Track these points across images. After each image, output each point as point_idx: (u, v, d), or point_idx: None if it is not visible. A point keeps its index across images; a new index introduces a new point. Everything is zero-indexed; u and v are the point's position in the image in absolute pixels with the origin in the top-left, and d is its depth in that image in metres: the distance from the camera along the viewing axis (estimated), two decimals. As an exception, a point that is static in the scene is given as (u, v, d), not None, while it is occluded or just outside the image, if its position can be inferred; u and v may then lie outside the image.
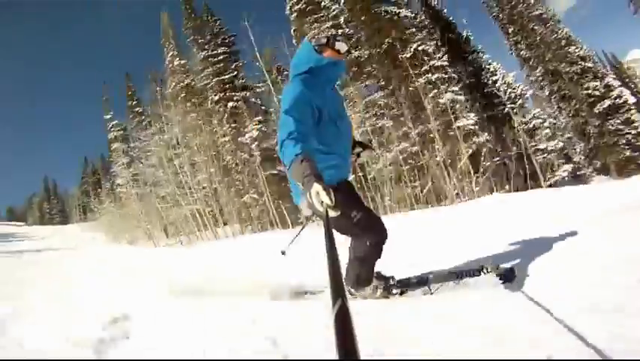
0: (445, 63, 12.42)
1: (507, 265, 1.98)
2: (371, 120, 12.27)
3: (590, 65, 18.27)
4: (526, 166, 15.01)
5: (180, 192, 15.13)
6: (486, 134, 11.90)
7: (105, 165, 29.33)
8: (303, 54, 1.82)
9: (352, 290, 2.07)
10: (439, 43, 17.13)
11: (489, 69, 15.54)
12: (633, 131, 17.70)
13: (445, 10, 17.82)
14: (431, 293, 2.03)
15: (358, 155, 2.19)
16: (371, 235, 1.89)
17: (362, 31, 13.56)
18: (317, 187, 1.29)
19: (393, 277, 2.17)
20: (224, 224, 15.38)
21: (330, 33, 1.83)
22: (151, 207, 16.85)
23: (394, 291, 2.11)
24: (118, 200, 20.44)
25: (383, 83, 12.78)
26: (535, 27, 18.42)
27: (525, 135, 14.67)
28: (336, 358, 0.42)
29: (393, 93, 12.26)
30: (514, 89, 15.12)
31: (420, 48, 11.97)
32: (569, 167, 14.91)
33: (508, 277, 1.87)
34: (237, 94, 16.17)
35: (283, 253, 2.42)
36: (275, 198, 13.88)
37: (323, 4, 14.99)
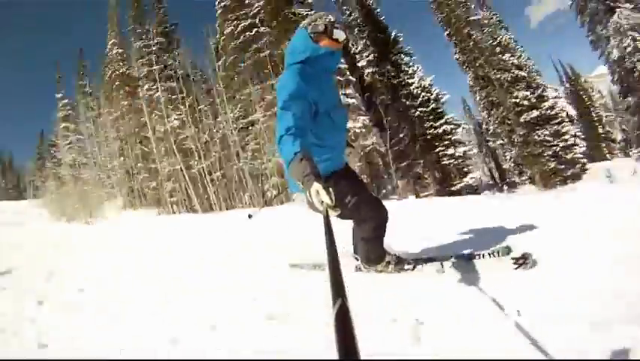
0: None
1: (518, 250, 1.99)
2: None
3: (523, 73, 18.38)
4: (435, 171, 15.38)
5: (101, 175, 15.72)
6: (374, 138, 12.23)
7: (47, 142, 29.53)
8: (298, 42, 1.75)
9: (365, 265, 2.16)
10: (368, 43, 17.44)
11: (407, 71, 15.79)
12: (562, 144, 17.88)
13: (379, 10, 18.00)
14: (443, 271, 2.06)
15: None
16: (368, 217, 1.92)
17: (274, 31, 13.86)
18: (317, 187, 1.29)
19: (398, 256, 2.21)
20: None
21: (327, 20, 1.74)
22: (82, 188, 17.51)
23: (407, 266, 2.14)
24: (58, 179, 21.10)
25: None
26: (472, 32, 18.53)
27: (435, 140, 15.00)
28: (336, 358, 0.43)
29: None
30: (429, 92, 15.36)
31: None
32: (477, 174, 15.22)
33: (523, 262, 1.87)
34: (164, 84, 16.60)
35: (250, 216, 2.83)
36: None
37: (247, 1, 15.31)
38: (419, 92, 15.25)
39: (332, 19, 1.74)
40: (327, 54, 1.71)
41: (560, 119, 18.16)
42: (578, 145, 17.54)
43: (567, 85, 35.28)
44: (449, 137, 14.98)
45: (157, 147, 15.30)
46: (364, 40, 17.51)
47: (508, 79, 17.77)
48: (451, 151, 14.87)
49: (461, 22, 18.35)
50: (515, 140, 17.68)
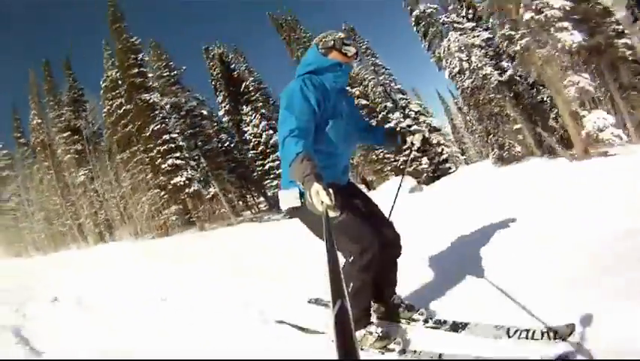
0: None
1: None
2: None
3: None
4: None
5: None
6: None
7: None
8: (309, 56, 1.86)
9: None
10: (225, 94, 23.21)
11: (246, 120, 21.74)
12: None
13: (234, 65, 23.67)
14: None
15: (412, 143, 2.12)
16: (353, 243, 1.68)
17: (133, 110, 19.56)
18: (317, 187, 1.29)
19: (420, 310, 1.85)
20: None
21: (337, 36, 1.84)
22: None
23: (393, 346, 1.72)
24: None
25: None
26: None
27: (263, 176, 21.06)
28: (336, 358, 0.43)
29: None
30: (260, 137, 21.33)
31: (155, 128, 18.08)
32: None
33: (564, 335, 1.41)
34: (73, 147, 22.28)
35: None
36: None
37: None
38: (251, 137, 21.30)
39: (342, 36, 1.84)
40: (334, 65, 1.80)
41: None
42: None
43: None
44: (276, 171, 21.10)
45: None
46: (223, 93, 23.40)
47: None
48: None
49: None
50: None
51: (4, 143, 28.33)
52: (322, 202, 1.27)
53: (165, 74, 22.35)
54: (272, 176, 20.89)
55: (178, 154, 18.10)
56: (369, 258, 1.66)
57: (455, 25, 15.79)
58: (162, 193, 17.80)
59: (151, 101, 18.74)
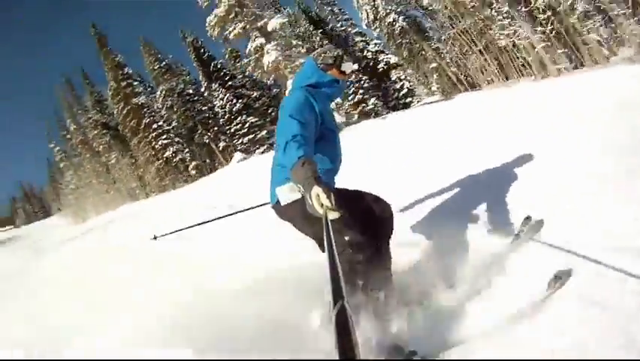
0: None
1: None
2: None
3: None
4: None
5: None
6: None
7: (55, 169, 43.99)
8: (306, 70, 1.92)
9: None
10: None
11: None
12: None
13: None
14: None
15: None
16: (352, 233, 1.70)
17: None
18: (317, 189, 1.32)
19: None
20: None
21: (336, 53, 1.91)
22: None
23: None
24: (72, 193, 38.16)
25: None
26: None
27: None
28: (336, 358, 0.44)
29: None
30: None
31: (146, 122, 26.95)
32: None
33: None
34: (104, 138, 31.89)
35: (155, 237, 2.94)
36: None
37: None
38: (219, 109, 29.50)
39: (340, 53, 1.92)
40: (331, 82, 1.89)
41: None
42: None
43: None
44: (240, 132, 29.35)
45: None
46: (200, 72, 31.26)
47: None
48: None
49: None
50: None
51: (56, 141, 39.14)
52: (322, 205, 1.31)
53: (157, 67, 30.23)
54: (237, 136, 29.17)
55: (164, 136, 27.06)
56: (369, 243, 1.71)
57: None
58: (161, 163, 27.19)
59: (140, 103, 27.35)
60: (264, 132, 26.12)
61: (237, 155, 22.95)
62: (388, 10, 18.40)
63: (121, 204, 29.34)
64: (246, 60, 19.23)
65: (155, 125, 26.98)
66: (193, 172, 26.86)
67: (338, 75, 1.90)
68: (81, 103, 33.50)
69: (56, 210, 44.46)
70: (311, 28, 24.23)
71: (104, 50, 28.02)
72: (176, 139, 27.72)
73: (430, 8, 16.53)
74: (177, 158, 26.66)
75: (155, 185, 27.71)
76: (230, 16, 17.00)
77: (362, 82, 24.01)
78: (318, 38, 24.36)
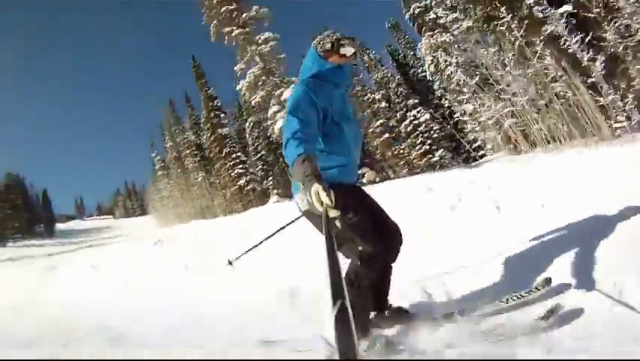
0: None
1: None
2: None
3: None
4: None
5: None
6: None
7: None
8: (308, 60, 1.91)
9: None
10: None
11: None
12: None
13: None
14: None
15: (363, 175, 2.75)
16: (365, 243, 1.72)
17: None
18: (317, 187, 1.34)
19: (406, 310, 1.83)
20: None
21: (334, 37, 1.87)
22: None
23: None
24: (160, 200, 43.47)
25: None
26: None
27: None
28: (336, 358, 0.45)
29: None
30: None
31: (227, 151, 29.90)
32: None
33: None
34: (195, 158, 36.11)
35: (230, 263, 2.84)
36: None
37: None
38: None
39: (338, 37, 1.87)
40: (334, 68, 1.86)
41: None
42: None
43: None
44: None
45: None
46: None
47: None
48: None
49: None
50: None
51: (157, 151, 45.46)
52: (322, 203, 1.32)
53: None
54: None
55: (240, 166, 29.63)
56: (381, 258, 1.73)
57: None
58: (235, 190, 29.81)
59: (224, 133, 30.39)
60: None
61: (274, 197, 24.31)
62: (447, 62, 16.74)
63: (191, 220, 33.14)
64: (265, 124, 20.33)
65: (233, 155, 29.68)
66: (275, 198, 29.11)
67: (339, 60, 1.89)
68: (180, 123, 38.38)
69: (151, 210, 50.20)
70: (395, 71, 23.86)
71: (199, 82, 31.84)
72: (250, 170, 30.10)
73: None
74: (249, 187, 28.95)
75: (223, 208, 30.51)
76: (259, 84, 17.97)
77: (432, 132, 23.17)
78: (394, 85, 24.17)
